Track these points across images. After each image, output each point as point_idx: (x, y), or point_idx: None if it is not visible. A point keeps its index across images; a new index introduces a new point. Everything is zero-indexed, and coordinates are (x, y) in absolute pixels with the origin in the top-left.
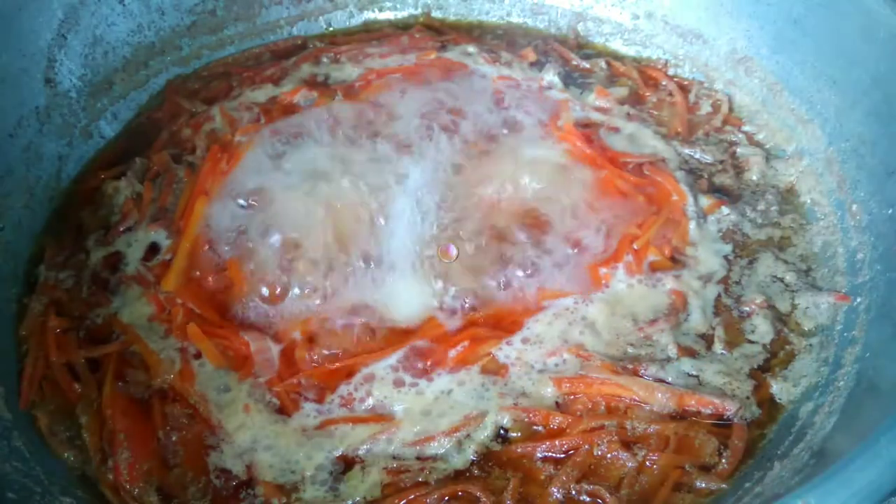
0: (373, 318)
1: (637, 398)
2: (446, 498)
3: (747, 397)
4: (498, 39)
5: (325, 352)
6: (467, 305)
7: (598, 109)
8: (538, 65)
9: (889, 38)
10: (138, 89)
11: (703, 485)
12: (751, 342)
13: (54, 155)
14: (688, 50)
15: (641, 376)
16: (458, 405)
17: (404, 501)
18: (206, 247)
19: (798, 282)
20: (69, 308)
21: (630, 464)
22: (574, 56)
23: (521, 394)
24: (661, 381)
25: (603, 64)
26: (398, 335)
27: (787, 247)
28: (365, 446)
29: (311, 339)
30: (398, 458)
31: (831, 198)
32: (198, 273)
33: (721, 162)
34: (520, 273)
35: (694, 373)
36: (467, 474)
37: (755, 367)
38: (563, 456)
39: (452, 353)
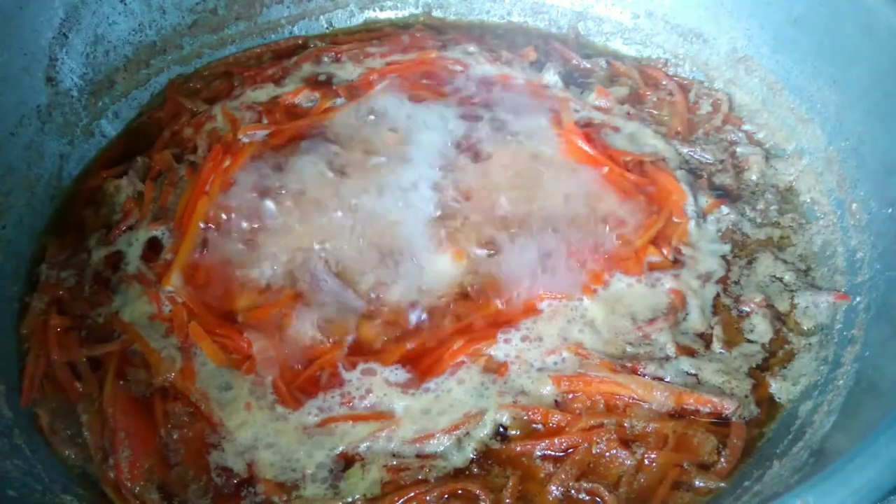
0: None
1: (636, 396)
2: (446, 496)
3: (746, 396)
4: (498, 39)
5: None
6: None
7: (599, 109)
8: (538, 64)
9: (889, 37)
10: (140, 88)
11: (702, 483)
12: (750, 341)
13: (56, 154)
14: (688, 49)
15: (640, 375)
16: (457, 403)
17: (404, 499)
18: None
19: (797, 281)
20: (70, 307)
21: (629, 462)
22: (574, 55)
23: (520, 392)
24: (660, 379)
25: (603, 63)
26: (398, 335)
27: (787, 246)
28: (365, 444)
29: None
30: (398, 455)
31: (831, 197)
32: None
33: (721, 161)
34: (519, 272)
35: (693, 371)
36: (467, 472)
37: (754, 366)
38: (562, 454)
39: (451, 351)
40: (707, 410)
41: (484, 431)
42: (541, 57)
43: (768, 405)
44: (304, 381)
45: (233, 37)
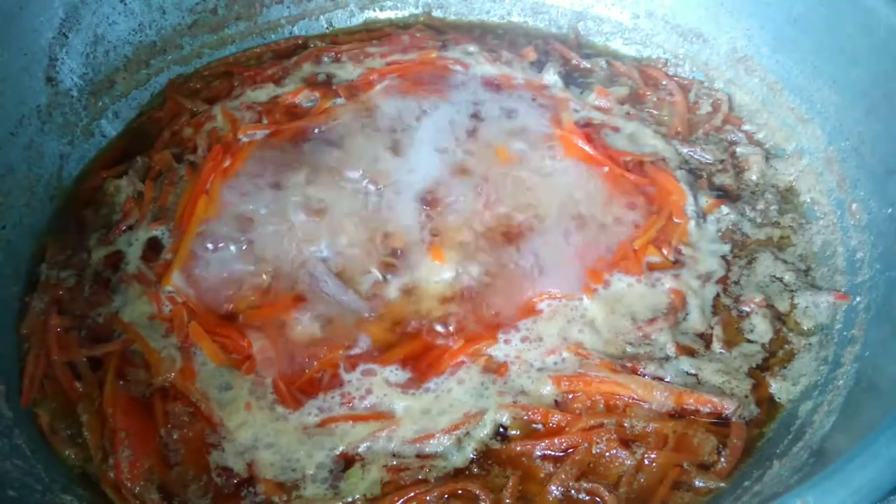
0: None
1: (636, 396)
2: (446, 496)
3: (746, 396)
4: (498, 39)
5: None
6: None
7: (599, 109)
8: (538, 64)
9: (889, 37)
10: (140, 88)
11: (702, 483)
12: (750, 341)
13: (56, 154)
14: (688, 49)
15: (640, 375)
16: (457, 403)
17: (404, 499)
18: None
19: (797, 281)
20: (70, 307)
21: (629, 462)
22: (574, 55)
23: (520, 392)
24: (660, 379)
25: (603, 63)
26: (398, 335)
27: (787, 246)
28: (365, 444)
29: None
30: (398, 455)
31: (831, 197)
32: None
33: (721, 161)
34: (519, 272)
35: (693, 371)
36: (467, 472)
37: (754, 366)
38: (562, 454)
39: (451, 351)
40: (707, 410)
41: (484, 431)
42: (541, 57)
43: (768, 405)
44: (304, 382)
45: (233, 37)
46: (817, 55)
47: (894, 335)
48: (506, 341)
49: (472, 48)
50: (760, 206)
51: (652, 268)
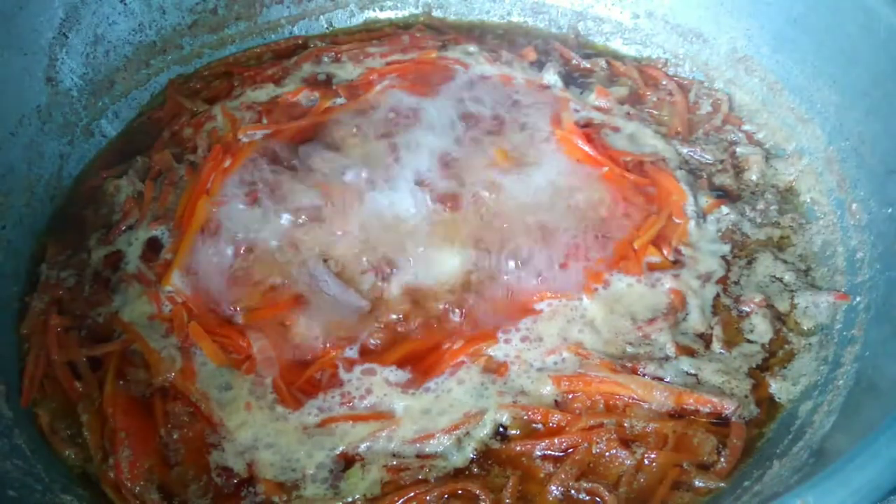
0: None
1: (636, 396)
2: (446, 496)
3: (746, 396)
4: (498, 39)
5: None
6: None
7: (599, 109)
8: (538, 64)
9: (889, 37)
10: (140, 88)
11: (702, 483)
12: (749, 341)
13: (56, 153)
14: (688, 49)
15: (640, 375)
16: (457, 403)
17: (404, 499)
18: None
19: (797, 281)
20: (70, 307)
21: (629, 462)
22: (574, 55)
23: (520, 392)
24: (660, 379)
25: (603, 63)
26: (398, 335)
27: (787, 246)
28: (365, 444)
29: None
30: (398, 455)
31: (831, 197)
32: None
33: (721, 161)
34: (519, 272)
35: (692, 371)
36: (467, 472)
37: (754, 366)
38: (562, 454)
39: (451, 351)
40: (707, 410)
41: (484, 431)
42: (541, 57)
43: (768, 405)
44: (304, 382)
45: (233, 37)
46: (817, 55)
47: (894, 335)
48: (506, 341)
49: (472, 48)
50: (760, 206)
51: (652, 268)
